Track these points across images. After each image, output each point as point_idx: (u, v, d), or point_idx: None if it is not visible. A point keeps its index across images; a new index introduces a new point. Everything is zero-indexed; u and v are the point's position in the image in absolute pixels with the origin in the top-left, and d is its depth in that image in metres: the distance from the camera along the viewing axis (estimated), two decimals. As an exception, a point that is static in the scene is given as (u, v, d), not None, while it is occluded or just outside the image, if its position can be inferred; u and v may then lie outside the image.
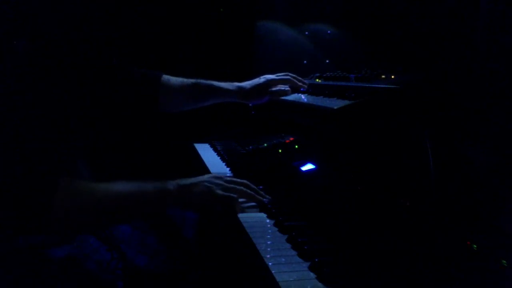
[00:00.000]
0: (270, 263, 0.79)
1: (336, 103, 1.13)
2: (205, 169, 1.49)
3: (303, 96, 1.48)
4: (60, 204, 0.88)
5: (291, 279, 0.74)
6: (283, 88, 1.54)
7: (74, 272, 0.91)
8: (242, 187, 1.08)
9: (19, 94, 0.94)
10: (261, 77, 1.60)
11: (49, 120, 0.95)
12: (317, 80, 1.61)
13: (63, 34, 1.06)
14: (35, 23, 1.00)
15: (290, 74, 1.62)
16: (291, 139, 1.59)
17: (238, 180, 1.11)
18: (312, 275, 0.76)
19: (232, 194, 1.05)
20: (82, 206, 0.93)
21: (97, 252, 0.97)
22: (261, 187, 1.19)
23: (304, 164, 1.27)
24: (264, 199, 1.11)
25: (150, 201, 1.02)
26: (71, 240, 0.96)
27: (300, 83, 1.60)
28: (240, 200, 1.08)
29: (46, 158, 0.91)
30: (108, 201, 0.97)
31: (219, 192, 1.05)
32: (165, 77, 1.47)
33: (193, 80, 1.52)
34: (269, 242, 0.89)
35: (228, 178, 1.11)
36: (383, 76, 1.21)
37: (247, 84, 1.58)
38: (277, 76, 1.61)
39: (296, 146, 1.50)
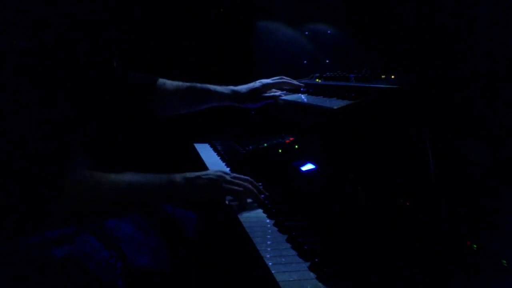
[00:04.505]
0: (270, 263, 0.79)
1: (336, 103, 1.13)
2: (205, 169, 1.49)
3: (303, 96, 1.48)
4: (71, 194, 0.92)
5: (291, 279, 0.74)
6: (276, 94, 1.58)
7: (74, 272, 0.91)
8: (247, 184, 1.11)
9: (22, 93, 0.95)
10: (257, 81, 1.62)
11: (54, 118, 0.96)
12: (317, 80, 1.61)
13: (63, 35, 1.06)
14: (36, 24, 1.00)
15: (284, 77, 1.63)
16: (291, 139, 1.59)
17: (242, 176, 1.14)
18: (312, 275, 0.76)
19: (236, 188, 1.08)
20: (92, 196, 0.96)
21: (98, 252, 0.97)
22: (261, 186, 1.19)
23: (304, 164, 1.27)
24: (262, 195, 1.13)
25: (158, 192, 1.06)
26: (72, 240, 0.96)
27: (295, 84, 1.61)
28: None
29: (56, 151, 0.93)
30: (117, 191, 1.00)
31: (224, 185, 1.08)
32: (161, 81, 1.48)
33: (188, 84, 1.52)
34: (269, 242, 0.89)
35: (233, 174, 1.14)
36: (383, 76, 1.21)
37: (242, 88, 1.59)
38: (272, 80, 1.62)
39: (296, 146, 1.50)
